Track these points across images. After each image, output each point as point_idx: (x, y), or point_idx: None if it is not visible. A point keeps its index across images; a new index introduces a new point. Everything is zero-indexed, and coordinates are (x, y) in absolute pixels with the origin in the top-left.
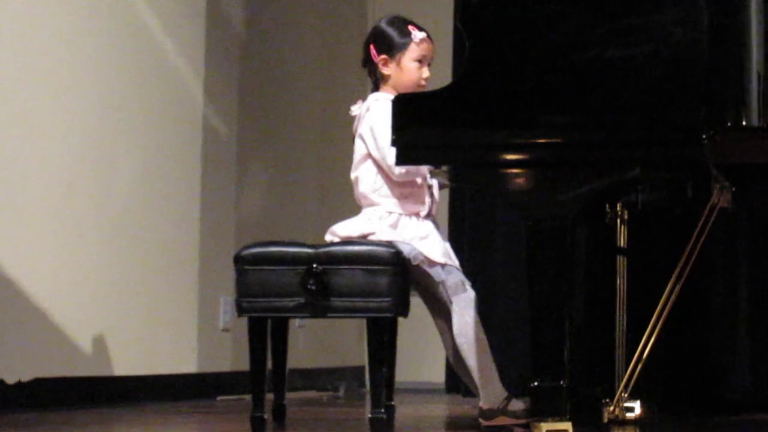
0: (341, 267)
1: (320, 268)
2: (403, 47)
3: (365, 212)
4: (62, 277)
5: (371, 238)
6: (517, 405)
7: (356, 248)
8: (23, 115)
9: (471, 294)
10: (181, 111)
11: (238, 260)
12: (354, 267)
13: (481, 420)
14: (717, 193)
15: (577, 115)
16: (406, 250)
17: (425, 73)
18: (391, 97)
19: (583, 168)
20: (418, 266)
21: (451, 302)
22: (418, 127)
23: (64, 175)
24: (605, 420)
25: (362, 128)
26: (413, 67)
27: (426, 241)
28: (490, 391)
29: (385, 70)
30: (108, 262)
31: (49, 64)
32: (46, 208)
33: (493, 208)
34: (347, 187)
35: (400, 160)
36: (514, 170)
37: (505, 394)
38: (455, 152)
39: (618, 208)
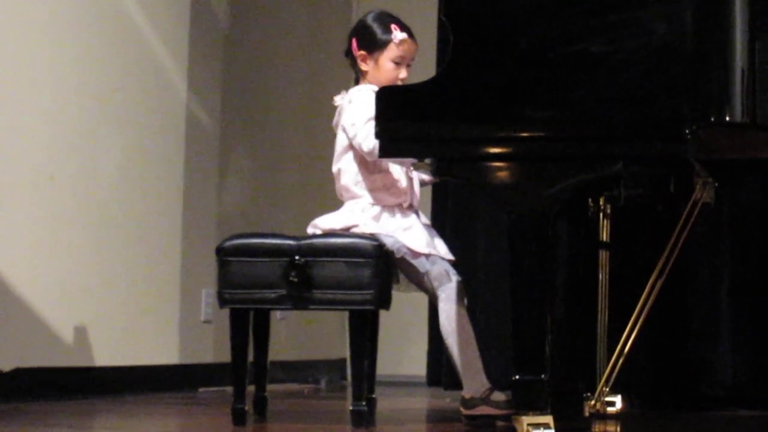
0: (323, 259)
1: (302, 260)
2: (383, 46)
3: (347, 205)
4: (44, 267)
5: (354, 230)
6: (499, 396)
7: (339, 240)
8: (5, 107)
9: (455, 283)
10: (164, 102)
11: (221, 252)
12: (336, 259)
13: (462, 409)
14: (699, 188)
15: (560, 109)
16: (389, 242)
17: (402, 73)
18: (373, 87)
19: (565, 162)
20: (402, 258)
21: (436, 293)
22: (401, 120)
23: (46, 167)
24: (586, 414)
25: (343, 120)
26: (390, 68)
27: (409, 232)
28: (473, 381)
29: (363, 66)
30: (90, 252)
31: (31, 56)
32: (29, 199)
33: (475, 201)
34: (330, 179)
35: (384, 153)
36: (497, 164)
37: (488, 385)
38: (438, 145)
39: (601, 203)
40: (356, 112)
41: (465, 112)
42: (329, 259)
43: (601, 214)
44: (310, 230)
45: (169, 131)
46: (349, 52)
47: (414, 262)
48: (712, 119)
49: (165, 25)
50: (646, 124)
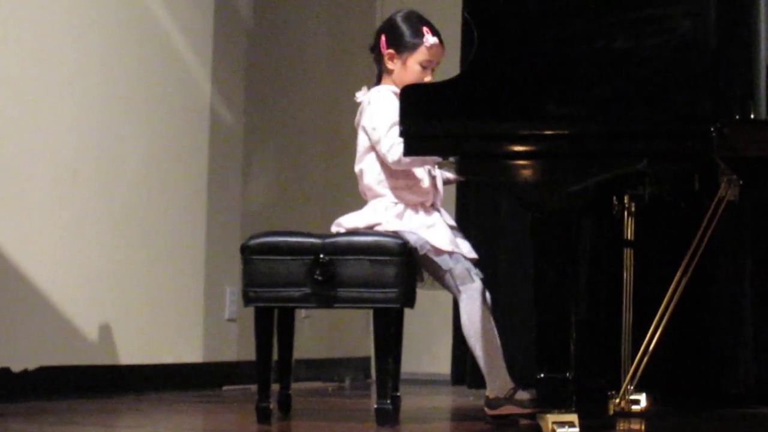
0: (348, 257)
1: (327, 258)
2: (413, 48)
3: (371, 204)
4: (68, 265)
5: (377, 228)
6: (523, 395)
7: (363, 238)
8: (30, 104)
9: (478, 283)
10: (187, 100)
11: (245, 250)
12: (360, 257)
13: (486, 409)
14: (724, 186)
15: (584, 106)
16: (412, 239)
17: (428, 77)
18: (393, 88)
19: (590, 160)
20: (425, 255)
21: (458, 291)
22: (425, 118)
23: (70, 164)
24: (611, 412)
25: (364, 120)
26: (417, 70)
27: (432, 229)
28: (496, 381)
29: (390, 65)
30: (114, 251)
31: (56, 53)
32: (52, 196)
33: (499, 199)
34: (354, 177)
35: (408, 151)
36: (521, 162)
37: (512, 384)
38: (462, 143)
39: (625, 201)
40: (377, 116)
41: (489, 109)
42: (354, 257)
43: (625, 212)
44: (334, 229)
45: (193, 129)
46: (375, 48)
47: (437, 259)
48: (737, 117)
49: (189, 22)
50: (670, 121)
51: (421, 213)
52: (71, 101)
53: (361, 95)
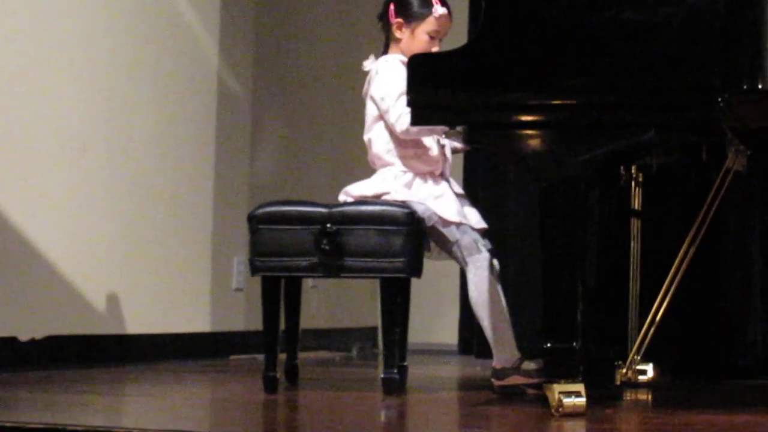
0: (355, 227)
1: (334, 227)
2: (421, 18)
3: (380, 172)
4: (76, 235)
5: (385, 197)
6: (530, 365)
7: (370, 208)
8: (37, 76)
9: (485, 254)
10: (195, 71)
11: (252, 219)
12: (368, 227)
13: (493, 380)
14: (732, 156)
15: (592, 76)
16: (420, 209)
17: (435, 47)
18: (401, 57)
19: (597, 130)
20: (432, 226)
21: (466, 262)
22: (433, 88)
23: (78, 136)
24: (618, 382)
25: (372, 90)
26: (425, 40)
27: (440, 200)
28: (504, 351)
29: (398, 34)
30: (122, 220)
31: (62, 25)
32: (61, 168)
33: (506, 169)
34: (362, 147)
35: (416, 120)
36: (529, 132)
37: (518, 354)
38: (470, 113)
39: (633, 171)
40: (386, 86)
41: (497, 79)
42: (361, 226)
43: (633, 183)
44: (341, 197)
45: (201, 99)
46: (383, 17)
47: (444, 230)
48: (744, 87)
49: None
50: (678, 91)
51: (430, 182)
52: (78, 73)
53: (369, 64)
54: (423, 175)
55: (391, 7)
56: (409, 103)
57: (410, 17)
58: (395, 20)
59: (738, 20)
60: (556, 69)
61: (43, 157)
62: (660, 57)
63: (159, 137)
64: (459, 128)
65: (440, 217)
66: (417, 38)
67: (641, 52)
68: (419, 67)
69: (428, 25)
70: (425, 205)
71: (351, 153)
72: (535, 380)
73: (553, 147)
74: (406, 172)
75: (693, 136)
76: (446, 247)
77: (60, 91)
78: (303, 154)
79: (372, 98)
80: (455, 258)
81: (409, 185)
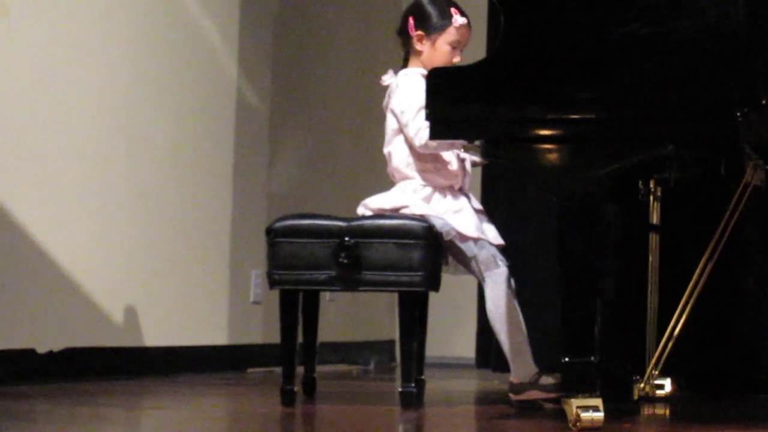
0: (373, 240)
1: (352, 241)
2: (441, 29)
3: (399, 186)
4: (95, 247)
5: (404, 211)
6: (547, 380)
7: (388, 222)
8: (57, 88)
9: (503, 269)
10: (214, 83)
11: (270, 233)
12: (386, 240)
13: (511, 394)
14: (750, 171)
15: (610, 91)
16: (438, 224)
17: (456, 58)
18: (421, 71)
19: (615, 144)
20: (450, 241)
21: (483, 277)
22: (451, 102)
23: (96, 147)
24: (635, 397)
25: (393, 103)
26: (446, 50)
27: (459, 215)
28: (521, 366)
29: (419, 47)
30: (140, 233)
31: (82, 37)
32: (79, 180)
33: (525, 183)
34: (380, 160)
35: (434, 134)
36: (547, 146)
37: (536, 369)
38: (488, 127)
39: (651, 185)
40: (406, 100)
41: (515, 93)
42: (379, 240)
43: (651, 197)
44: (360, 210)
45: (220, 112)
46: (402, 31)
47: (462, 245)
48: (763, 102)
49: (215, 5)
50: (696, 106)
51: (449, 197)
52: (98, 84)
53: (388, 78)
54: (442, 190)
55: (411, 20)
56: (428, 117)
57: (431, 29)
58: (415, 33)
59: (756, 35)
60: (574, 83)
61: (62, 169)
62: (678, 71)
63: (178, 150)
64: (477, 142)
65: (458, 232)
66: (438, 50)
67: (659, 67)
68: (438, 81)
69: (449, 35)
70: (444, 219)
71: (369, 166)
72: (552, 395)
73: (571, 161)
74: (425, 185)
75: (711, 151)
76: (464, 261)
77: (80, 105)
78: (321, 167)
79: (392, 111)
80: (473, 272)
81: (428, 199)
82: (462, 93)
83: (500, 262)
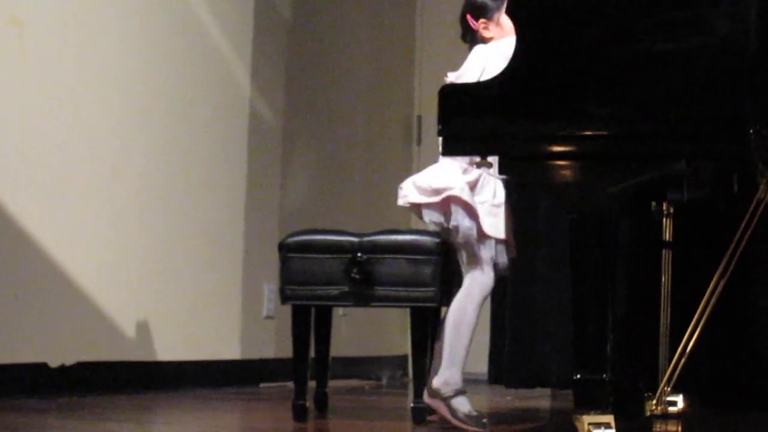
0: (385, 256)
1: (364, 257)
2: (499, 6)
3: (449, 162)
4: (107, 261)
5: (448, 193)
6: (462, 404)
7: (400, 237)
8: (71, 102)
9: (487, 280)
10: (227, 98)
11: (283, 248)
12: (398, 256)
13: (426, 393)
14: (763, 187)
15: (623, 107)
16: (464, 226)
17: None
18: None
19: (628, 161)
20: (464, 242)
21: (465, 273)
22: (464, 118)
23: (110, 161)
24: (648, 414)
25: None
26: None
27: (494, 213)
28: (449, 376)
29: (487, 33)
30: (153, 247)
31: (97, 50)
32: (92, 193)
33: (538, 198)
34: (393, 175)
35: (446, 150)
36: (560, 162)
37: (459, 385)
38: (501, 143)
39: (663, 202)
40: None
41: (528, 110)
42: (391, 256)
43: (664, 214)
44: (405, 187)
45: (233, 127)
46: (466, 32)
47: (475, 243)
48: None
49: (229, 20)
50: (709, 122)
51: (494, 186)
52: (112, 100)
53: (453, 76)
54: (491, 174)
55: (469, 17)
56: (440, 133)
57: (489, 12)
58: (479, 23)
59: None
60: (586, 100)
61: (75, 183)
62: (690, 87)
63: (191, 165)
64: (490, 159)
65: (482, 232)
66: (505, 26)
67: (672, 83)
68: (451, 98)
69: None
70: (473, 222)
71: (382, 181)
72: (453, 421)
73: (584, 178)
74: (473, 166)
75: (724, 167)
76: (457, 246)
77: (94, 119)
78: (334, 182)
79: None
80: (459, 258)
81: (473, 185)
82: (475, 109)
83: (488, 269)
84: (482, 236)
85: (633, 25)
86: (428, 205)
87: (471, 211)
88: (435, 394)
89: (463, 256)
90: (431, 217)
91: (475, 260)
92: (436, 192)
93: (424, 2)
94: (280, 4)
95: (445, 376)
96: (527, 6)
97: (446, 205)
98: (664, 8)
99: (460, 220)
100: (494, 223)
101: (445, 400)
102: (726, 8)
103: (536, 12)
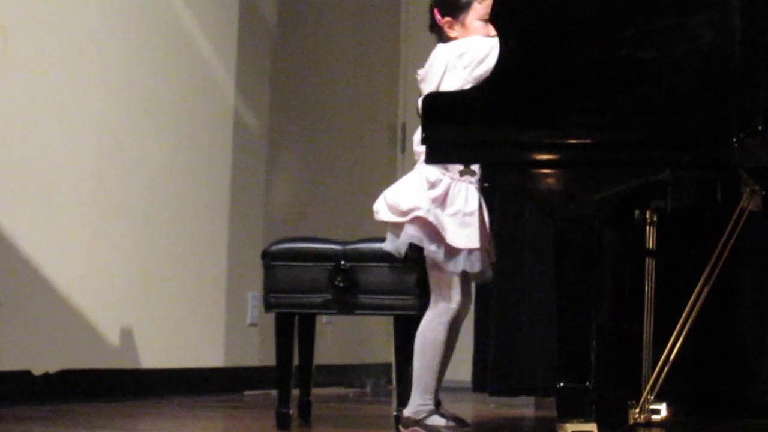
0: (369, 264)
1: (348, 265)
2: (466, 7)
3: (418, 175)
4: (91, 269)
5: (415, 213)
6: (437, 420)
7: (384, 245)
8: (54, 108)
9: (452, 305)
10: (211, 104)
11: (266, 256)
12: (381, 264)
13: (401, 427)
14: (747, 196)
15: (607, 115)
16: (430, 251)
17: (492, 30)
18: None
19: (612, 169)
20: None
21: (433, 295)
22: (448, 125)
23: (94, 168)
24: (631, 422)
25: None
26: (479, 26)
27: (466, 228)
28: (418, 402)
29: (451, 33)
30: (137, 255)
31: (80, 58)
32: (76, 200)
33: (521, 206)
34: (378, 181)
35: (430, 158)
36: (544, 170)
37: (430, 406)
38: (485, 151)
39: (647, 210)
40: (428, 73)
41: (512, 117)
42: (375, 264)
43: (647, 222)
44: (377, 205)
45: (217, 133)
46: (434, 25)
47: (443, 258)
48: (760, 127)
49: (213, 27)
50: (693, 131)
51: (466, 193)
52: (96, 105)
53: (423, 72)
54: (462, 180)
55: (436, 11)
56: (424, 141)
57: (456, 11)
58: (444, 21)
59: (753, 61)
60: (571, 108)
61: (59, 190)
62: (675, 96)
63: (175, 172)
64: (474, 166)
65: (449, 246)
66: (470, 28)
67: (656, 92)
68: (435, 105)
69: (476, 11)
70: (438, 245)
71: (367, 188)
72: None
73: (568, 186)
74: (444, 175)
75: (707, 176)
76: (428, 265)
77: (77, 127)
78: (318, 189)
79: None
80: (428, 275)
81: (443, 198)
82: (458, 117)
83: (455, 292)
84: (451, 253)
85: (617, 33)
86: (396, 225)
87: (436, 233)
88: (407, 423)
89: (432, 275)
90: (402, 238)
91: (439, 284)
92: (403, 213)
93: (408, 9)
94: (264, 10)
95: (415, 405)
96: (511, 13)
97: (413, 225)
98: (649, 17)
99: (425, 244)
100: (468, 233)
101: (419, 422)
102: (710, 17)
103: (520, 20)
